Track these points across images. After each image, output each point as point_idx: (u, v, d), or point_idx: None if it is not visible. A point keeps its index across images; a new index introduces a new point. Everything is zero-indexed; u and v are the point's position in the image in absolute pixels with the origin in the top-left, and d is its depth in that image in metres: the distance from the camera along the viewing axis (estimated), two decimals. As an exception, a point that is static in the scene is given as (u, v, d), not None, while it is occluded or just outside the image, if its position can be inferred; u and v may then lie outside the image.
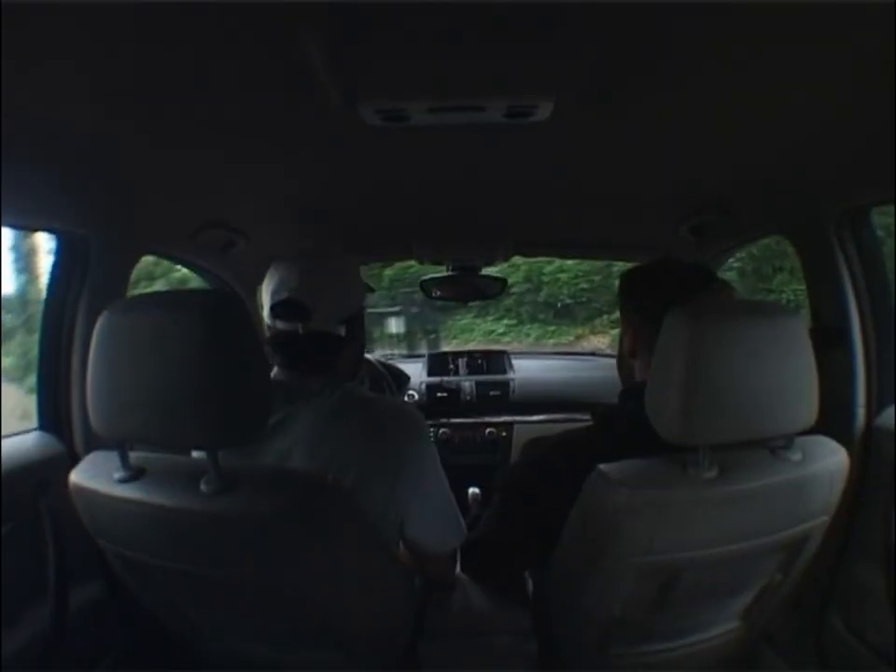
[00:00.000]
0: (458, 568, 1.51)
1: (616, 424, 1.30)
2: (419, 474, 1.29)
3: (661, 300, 1.14)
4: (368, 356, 2.74)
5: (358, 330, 1.36)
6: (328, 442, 1.22)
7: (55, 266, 1.45)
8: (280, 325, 1.26)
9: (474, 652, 1.35)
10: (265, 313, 1.29)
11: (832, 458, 1.15)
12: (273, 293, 1.27)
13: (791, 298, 7.36)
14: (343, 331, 1.30)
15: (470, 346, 9.02)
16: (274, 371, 1.30)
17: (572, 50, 0.87)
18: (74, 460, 1.24)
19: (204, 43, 0.83)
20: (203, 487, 0.99)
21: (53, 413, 1.44)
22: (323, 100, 0.99)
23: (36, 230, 1.49)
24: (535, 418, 2.69)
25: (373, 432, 1.24)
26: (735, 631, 1.35)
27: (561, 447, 1.34)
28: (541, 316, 10.43)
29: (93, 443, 1.26)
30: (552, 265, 9.98)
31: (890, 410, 1.40)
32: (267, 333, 1.30)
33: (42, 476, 1.30)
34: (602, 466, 1.09)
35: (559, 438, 1.37)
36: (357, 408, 1.27)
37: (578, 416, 2.36)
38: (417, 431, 1.31)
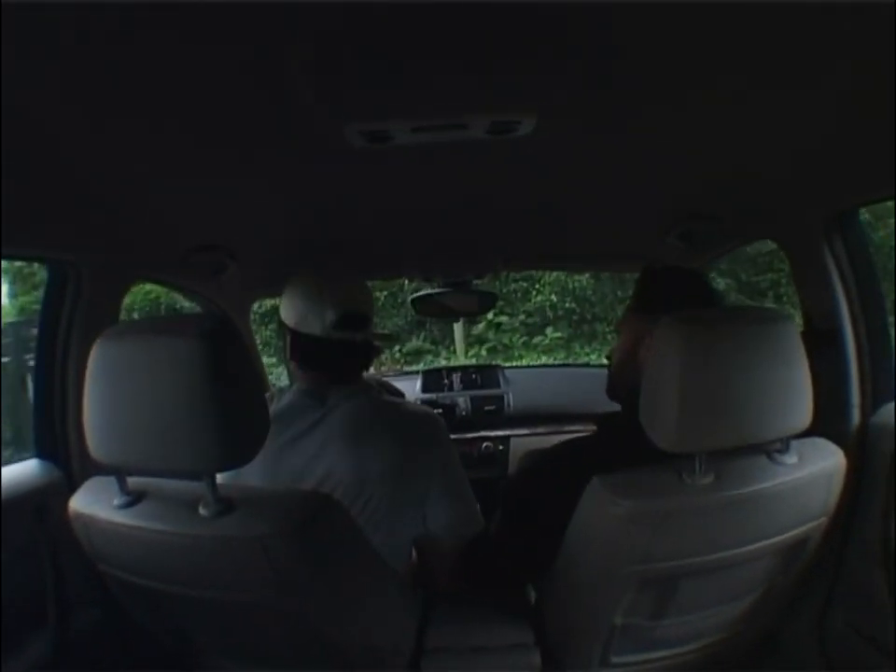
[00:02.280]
0: (462, 579, 1.52)
1: (615, 432, 1.31)
2: (448, 471, 1.41)
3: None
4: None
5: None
6: (360, 443, 1.31)
7: (47, 294, 1.45)
8: (337, 335, 1.34)
9: (477, 667, 1.35)
10: (313, 324, 1.35)
11: (829, 460, 1.16)
12: (337, 305, 1.35)
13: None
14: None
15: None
16: (301, 381, 1.42)
17: (554, 66, 0.88)
18: (72, 486, 1.24)
19: (190, 68, 0.84)
20: (201, 511, 0.99)
21: (51, 440, 1.43)
22: (307, 122, 1.00)
23: (26, 259, 1.49)
24: (530, 431, 2.69)
25: (405, 433, 1.35)
26: (738, 635, 1.35)
27: (560, 457, 1.34)
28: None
29: (91, 469, 1.26)
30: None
31: (886, 408, 1.41)
32: (294, 343, 1.39)
33: (41, 502, 1.29)
34: (599, 477, 1.10)
35: (557, 448, 1.37)
36: (388, 411, 1.39)
37: (573, 428, 2.36)
38: (443, 432, 1.45)
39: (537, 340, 9.17)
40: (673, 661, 1.32)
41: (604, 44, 0.83)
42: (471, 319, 8.71)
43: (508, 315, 9.23)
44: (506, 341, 9.16)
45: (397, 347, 9.05)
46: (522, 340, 9.13)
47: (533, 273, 8.62)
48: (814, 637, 1.44)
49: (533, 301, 9.24)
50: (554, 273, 8.50)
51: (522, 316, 9.26)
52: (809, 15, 0.76)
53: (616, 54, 0.86)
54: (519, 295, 9.29)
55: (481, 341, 9.21)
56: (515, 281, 9.12)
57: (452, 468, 1.42)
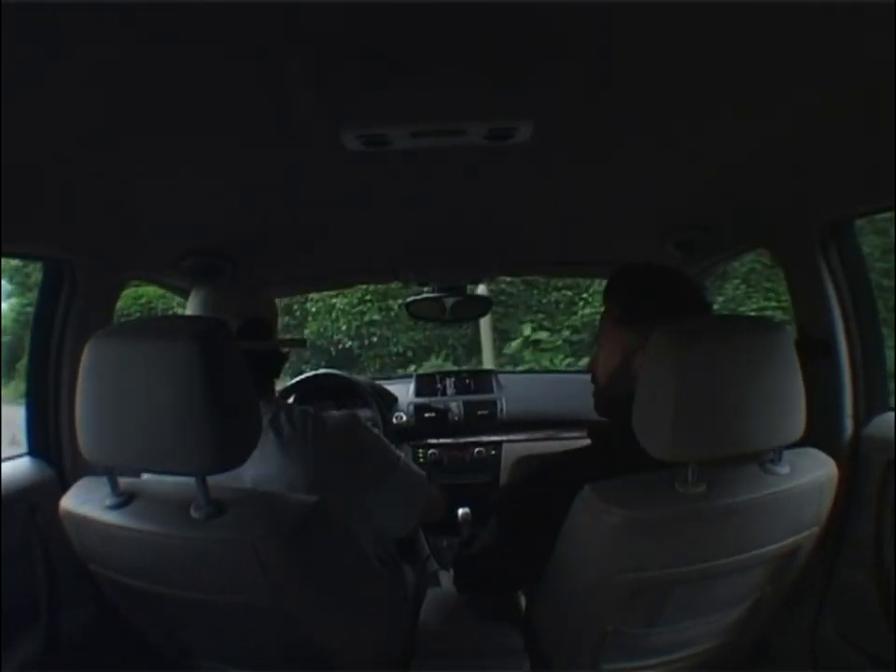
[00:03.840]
0: (452, 586, 1.51)
1: (609, 442, 1.31)
2: (389, 477, 1.40)
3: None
4: (357, 377, 2.75)
5: None
6: (291, 458, 1.27)
7: (42, 292, 1.45)
8: (243, 344, 1.27)
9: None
10: None
11: (821, 470, 1.16)
12: (239, 313, 1.34)
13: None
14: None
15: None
16: None
17: (552, 73, 0.88)
18: (64, 485, 1.24)
19: (188, 71, 0.84)
20: (193, 513, 0.99)
21: (43, 438, 1.43)
22: (306, 126, 1.00)
23: (23, 257, 1.49)
24: (523, 437, 2.69)
25: (330, 447, 1.31)
26: (729, 644, 1.35)
27: (554, 467, 1.34)
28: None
29: (83, 469, 1.25)
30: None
31: (879, 419, 1.41)
32: None
33: (33, 501, 1.29)
34: (591, 485, 1.10)
35: (552, 457, 1.37)
36: (313, 425, 1.33)
37: (566, 434, 2.36)
38: (373, 441, 1.43)
39: (584, 362, 6.43)
40: (664, 669, 1.32)
41: (603, 53, 0.84)
42: (502, 336, 7.49)
43: (548, 330, 7.52)
44: (546, 362, 7.27)
45: (412, 368, 7.48)
46: (566, 362, 7.20)
47: (580, 280, 7.02)
48: (805, 646, 1.44)
49: (580, 313, 7.38)
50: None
51: (566, 332, 7.45)
52: (809, 17, 0.76)
53: (614, 63, 0.87)
54: (562, 306, 7.54)
55: (515, 361, 7.42)
56: (557, 290, 7.50)
57: (392, 473, 1.42)
